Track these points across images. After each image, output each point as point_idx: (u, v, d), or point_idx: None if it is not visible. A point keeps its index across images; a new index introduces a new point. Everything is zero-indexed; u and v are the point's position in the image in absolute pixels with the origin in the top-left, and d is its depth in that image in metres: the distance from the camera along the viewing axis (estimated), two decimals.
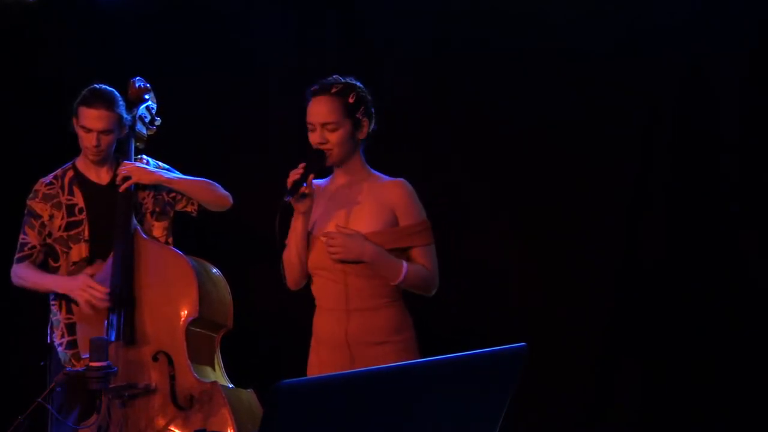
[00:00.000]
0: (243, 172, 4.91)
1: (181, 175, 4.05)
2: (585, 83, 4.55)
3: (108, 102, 3.89)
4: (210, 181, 4.05)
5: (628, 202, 4.53)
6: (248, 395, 3.81)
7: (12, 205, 4.28)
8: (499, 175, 4.67)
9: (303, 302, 4.94)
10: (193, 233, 4.23)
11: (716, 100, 4.39)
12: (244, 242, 5.08)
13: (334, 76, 3.34)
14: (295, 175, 3.23)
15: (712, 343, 4.37)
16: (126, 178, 3.91)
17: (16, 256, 3.98)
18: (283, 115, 5.04)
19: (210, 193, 4.04)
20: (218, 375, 3.87)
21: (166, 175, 3.98)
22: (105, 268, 3.85)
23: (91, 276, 3.83)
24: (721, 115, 4.39)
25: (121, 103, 3.97)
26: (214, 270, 3.98)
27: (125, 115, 3.99)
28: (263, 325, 4.97)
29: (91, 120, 3.88)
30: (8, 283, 4.10)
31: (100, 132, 3.89)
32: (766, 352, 4.32)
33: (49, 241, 3.96)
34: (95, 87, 3.95)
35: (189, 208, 4.06)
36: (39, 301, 4.16)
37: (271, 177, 4.96)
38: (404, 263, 3.26)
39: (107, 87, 3.97)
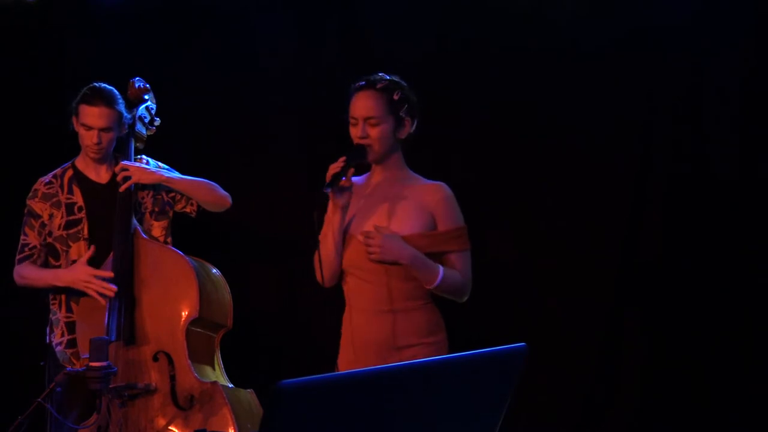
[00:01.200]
0: (242, 172, 4.91)
1: (181, 175, 4.05)
2: (584, 82, 4.55)
3: (108, 100, 3.91)
4: (209, 181, 4.06)
5: (628, 201, 4.53)
6: (248, 395, 3.81)
7: (12, 205, 4.28)
8: (498, 174, 4.67)
9: (303, 302, 4.95)
10: (193, 233, 4.23)
11: (717, 99, 4.39)
12: (243, 242, 5.08)
13: (380, 74, 3.33)
14: (335, 168, 3.19)
15: (712, 342, 4.37)
16: (126, 178, 3.92)
17: (18, 257, 3.99)
18: (282, 115, 5.04)
19: (209, 193, 4.04)
20: (218, 375, 3.87)
21: (166, 175, 3.99)
22: (104, 267, 3.86)
23: (90, 260, 3.85)
24: (721, 115, 4.39)
25: (121, 101, 3.98)
26: (214, 270, 3.98)
27: (125, 114, 4.00)
28: (263, 325, 4.97)
29: (92, 118, 3.89)
30: (8, 284, 4.10)
31: (101, 130, 3.90)
32: (766, 352, 4.32)
33: (49, 240, 3.96)
34: (95, 85, 3.96)
35: (188, 209, 4.06)
36: (39, 300, 4.16)
37: (270, 177, 5.00)
38: (441, 268, 3.23)
39: (107, 85, 3.98)
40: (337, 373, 2.86)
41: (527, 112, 4.61)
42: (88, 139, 3.92)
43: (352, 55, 4.86)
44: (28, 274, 3.96)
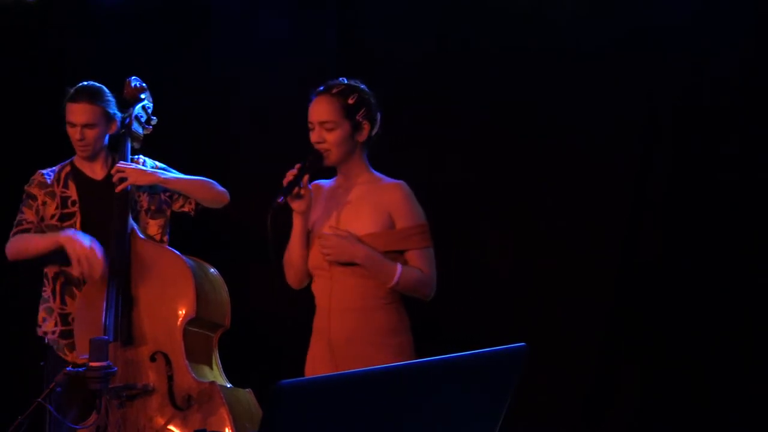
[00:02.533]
0: (242, 172, 4.91)
1: (178, 175, 4.05)
2: (584, 82, 4.54)
3: (91, 96, 3.92)
4: (206, 179, 4.06)
5: (628, 201, 4.53)
6: (246, 395, 3.81)
7: (12, 205, 4.27)
8: (498, 174, 4.67)
9: (302, 302, 4.94)
10: (193, 233, 4.23)
11: (717, 99, 4.39)
12: (242, 242, 5.08)
13: (340, 79, 3.34)
14: (289, 175, 3.26)
15: (711, 342, 4.37)
16: (122, 180, 3.91)
17: (13, 231, 3.96)
18: (282, 115, 5.04)
19: (207, 191, 4.04)
20: (216, 375, 3.87)
21: (163, 176, 3.99)
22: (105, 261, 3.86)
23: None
24: (721, 114, 4.39)
25: (109, 98, 3.98)
26: (212, 270, 3.97)
27: (113, 111, 3.99)
28: (262, 325, 4.97)
29: (74, 114, 3.91)
30: (8, 284, 4.10)
31: (84, 126, 3.92)
32: (766, 352, 4.32)
33: (41, 225, 3.96)
34: (82, 84, 3.98)
35: (186, 208, 4.06)
36: (38, 301, 4.16)
37: (270, 177, 4.98)
38: (399, 266, 3.26)
39: (95, 83, 3.99)
40: (336, 373, 2.86)
41: (527, 112, 4.61)
42: (72, 135, 3.95)
43: (352, 55, 4.86)
44: (19, 241, 3.91)
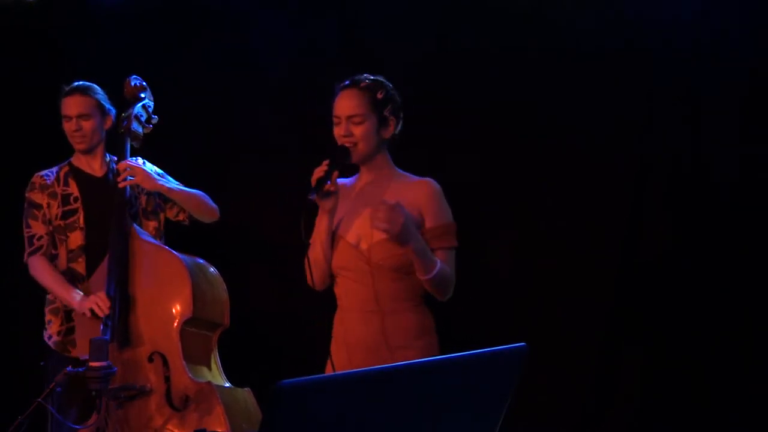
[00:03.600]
0: (242, 172, 4.91)
1: (177, 184, 4.07)
2: (584, 82, 4.55)
3: (83, 89, 4.07)
4: (202, 193, 4.11)
5: (628, 201, 4.53)
6: (244, 394, 3.80)
7: (12, 205, 4.28)
8: (498, 175, 4.67)
9: (303, 302, 4.94)
10: (193, 233, 4.24)
11: (717, 99, 4.39)
12: (242, 242, 5.08)
13: (365, 74, 3.32)
14: (319, 172, 3.17)
15: (712, 342, 4.37)
16: (128, 177, 3.93)
17: (28, 250, 4.02)
18: (282, 115, 5.04)
19: (202, 205, 4.11)
20: (214, 374, 3.86)
21: (166, 185, 4.02)
22: (101, 268, 3.86)
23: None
24: (721, 115, 4.39)
25: (101, 94, 4.10)
26: (211, 269, 3.96)
27: (106, 104, 4.09)
28: (263, 325, 4.97)
29: (68, 107, 4.04)
30: (8, 284, 4.10)
31: (78, 117, 4.02)
32: (766, 352, 4.32)
33: (50, 228, 4.00)
34: (75, 82, 4.11)
35: (181, 216, 4.13)
36: (38, 301, 4.16)
37: (270, 177, 5.00)
38: (437, 259, 3.18)
39: (89, 83, 4.13)
40: (336, 373, 2.86)
41: (527, 112, 4.61)
42: (68, 127, 4.04)
43: (352, 55, 4.86)
44: (42, 275, 3.99)
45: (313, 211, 3.26)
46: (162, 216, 4.11)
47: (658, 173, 4.49)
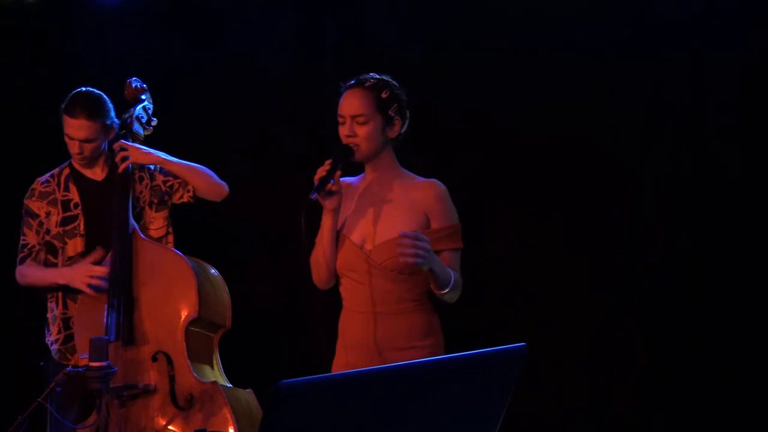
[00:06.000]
0: (242, 172, 4.91)
1: (177, 159, 4.04)
2: (584, 82, 4.54)
3: (90, 112, 3.89)
4: (206, 168, 4.05)
5: (628, 201, 4.53)
6: (246, 395, 3.81)
7: (12, 205, 4.28)
8: (498, 174, 4.67)
9: (303, 302, 4.94)
10: (194, 233, 4.23)
11: (717, 99, 4.39)
12: (243, 242, 5.08)
13: (371, 74, 3.31)
14: (321, 171, 3.16)
15: (712, 342, 4.37)
16: (124, 159, 3.93)
17: (18, 257, 4.03)
18: (283, 114, 5.04)
19: (205, 177, 4.03)
20: (217, 375, 3.87)
21: (164, 156, 3.98)
22: (104, 266, 3.86)
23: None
24: (721, 115, 4.39)
25: (107, 108, 3.97)
26: (213, 271, 3.98)
27: (113, 120, 3.99)
28: (263, 325, 4.97)
29: (72, 129, 3.92)
30: (8, 284, 4.11)
31: (82, 141, 3.93)
32: (766, 352, 4.32)
33: (47, 238, 3.98)
34: (80, 92, 3.96)
35: (185, 197, 4.05)
36: (38, 300, 4.16)
37: (271, 177, 4.99)
38: (452, 271, 3.17)
39: (93, 91, 3.98)
40: (336, 373, 2.86)
41: (527, 112, 4.61)
42: (71, 148, 3.96)
43: (352, 55, 4.85)
44: (30, 273, 3.99)
45: (316, 211, 3.26)
46: (170, 204, 4.06)
47: (658, 173, 4.49)
